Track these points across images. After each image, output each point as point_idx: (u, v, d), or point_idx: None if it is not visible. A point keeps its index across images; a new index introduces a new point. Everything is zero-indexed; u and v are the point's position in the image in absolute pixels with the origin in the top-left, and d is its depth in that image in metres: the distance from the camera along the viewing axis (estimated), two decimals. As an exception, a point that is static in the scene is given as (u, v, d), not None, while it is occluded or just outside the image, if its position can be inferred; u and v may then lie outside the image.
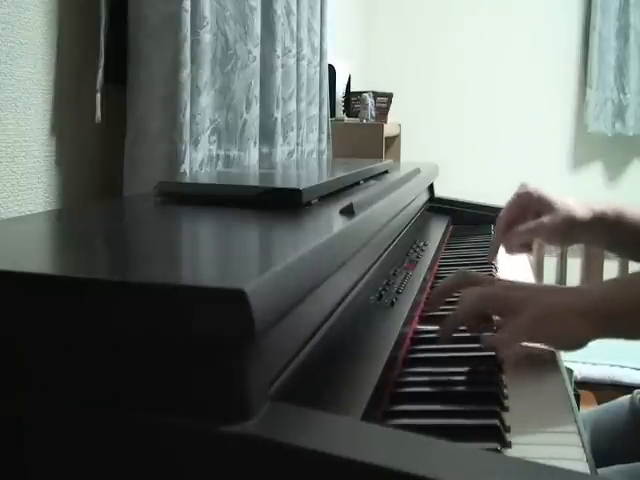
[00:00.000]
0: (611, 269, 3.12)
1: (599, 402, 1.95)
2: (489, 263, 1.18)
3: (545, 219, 1.02)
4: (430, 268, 1.10)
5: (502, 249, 1.18)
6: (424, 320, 0.88)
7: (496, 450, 0.55)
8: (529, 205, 1.06)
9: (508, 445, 0.58)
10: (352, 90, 2.34)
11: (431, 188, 1.69)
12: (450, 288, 0.82)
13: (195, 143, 1.12)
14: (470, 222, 1.61)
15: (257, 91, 1.37)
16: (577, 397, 0.72)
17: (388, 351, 0.68)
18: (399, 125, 2.57)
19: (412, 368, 0.73)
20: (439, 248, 1.30)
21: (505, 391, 0.69)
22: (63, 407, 0.44)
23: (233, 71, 1.28)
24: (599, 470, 0.69)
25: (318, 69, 1.83)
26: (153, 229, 0.73)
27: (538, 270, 3.06)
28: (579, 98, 3.36)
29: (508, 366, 0.74)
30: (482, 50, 3.37)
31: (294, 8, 1.59)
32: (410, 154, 2.68)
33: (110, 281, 0.44)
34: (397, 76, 3.31)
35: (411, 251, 1.14)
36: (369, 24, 3.37)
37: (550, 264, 3.30)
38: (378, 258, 0.96)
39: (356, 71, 2.59)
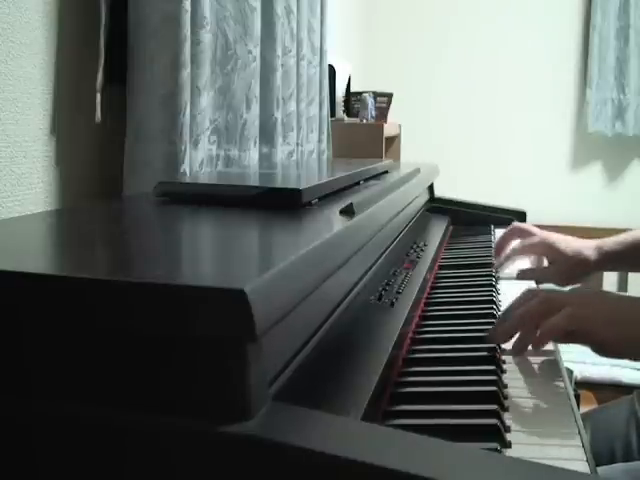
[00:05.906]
0: (611, 273, 3.12)
1: (599, 402, 1.95)
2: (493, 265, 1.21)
3: (554, 266, 1.13)
4: (430, 268, 1.10)
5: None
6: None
7: (496, 450, 0.55)
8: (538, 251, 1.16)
9: (508, 445, 0.58)
10: (352, 90, 2.34)
11: (431, 188, 1.69)
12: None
13: (195, 143, 1.12)
14: (470, 222, 1.61)
15: (257, 91, 1.37)
16: (577, 397, 0.72)
17: (388, 351, 0.68)
18: (399, 125, 2.56)
19: (412, 368, 0.73)
20: (439, 248, 1.30)
21: (505, 391, 0.69)
22: (63, 407, 0.44)
23: (233, 71, 1.28)
24: (599, 470, 0.69)
25: (318, 69, 1.83)
26: (153, 229, 0.73)
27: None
28: (579, 98, 3.35)
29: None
30: (482, 50, 3.37)
31: (294, 8, 1.59)
32: (410, 154, 2.67)
33: (110, 281, 0.44)
34: (397, 76, 3.31)
35: (411, 251, 1.14)
36: (369, 24, 3.37)
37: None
38: (378, 258, 0.96)
39: (356, 71, 2.59)
